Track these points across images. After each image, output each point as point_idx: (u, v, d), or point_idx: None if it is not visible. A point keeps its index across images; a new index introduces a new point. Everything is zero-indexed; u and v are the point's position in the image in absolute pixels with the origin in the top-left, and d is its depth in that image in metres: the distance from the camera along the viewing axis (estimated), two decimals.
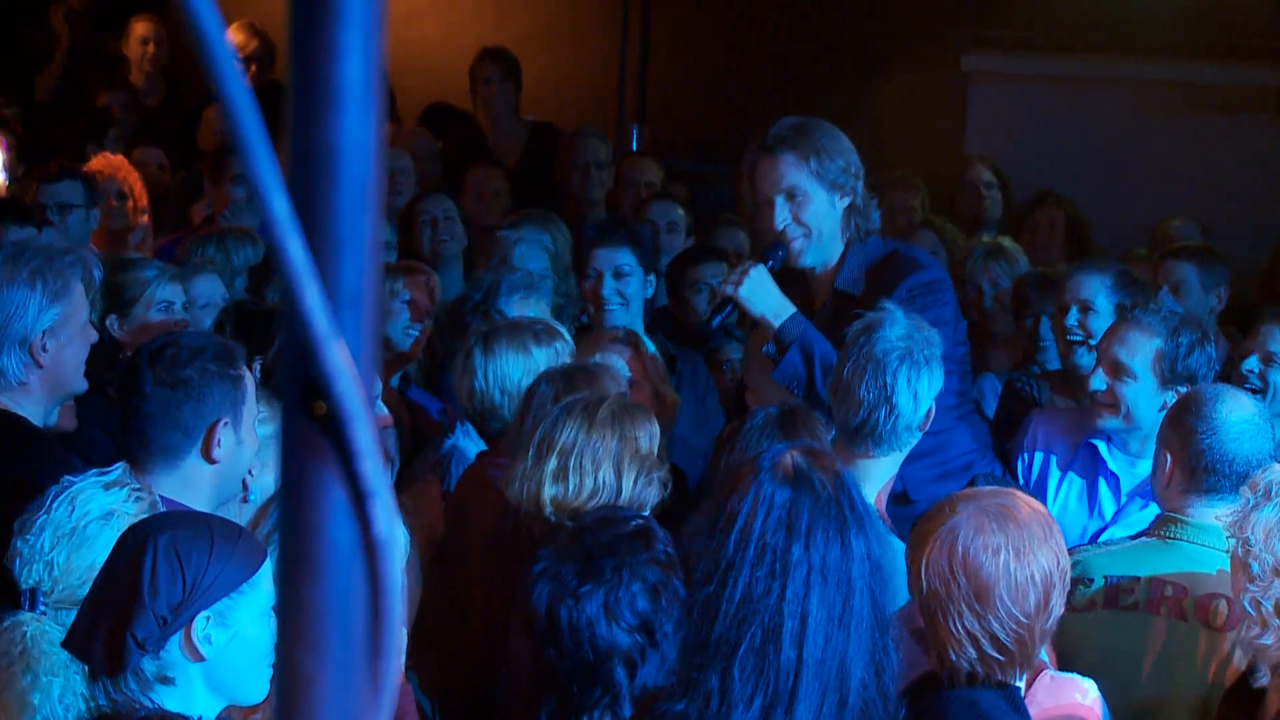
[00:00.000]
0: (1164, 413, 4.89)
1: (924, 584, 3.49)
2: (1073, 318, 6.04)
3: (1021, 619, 3.46)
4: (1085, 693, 3.82)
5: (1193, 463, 4.55)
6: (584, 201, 8.90)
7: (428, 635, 4.45)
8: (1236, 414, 4.56)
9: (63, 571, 3.59)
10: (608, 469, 4.23)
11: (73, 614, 3.37)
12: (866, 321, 4.67)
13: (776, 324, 5.27)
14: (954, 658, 3.48)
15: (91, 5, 11.19)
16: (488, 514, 4.60)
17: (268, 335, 5.32)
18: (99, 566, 3.34)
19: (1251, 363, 5.67)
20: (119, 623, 3.17)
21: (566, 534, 3.77)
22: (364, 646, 1.21)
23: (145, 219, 8.14)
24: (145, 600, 3.16)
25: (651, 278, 6.46)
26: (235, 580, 3.23)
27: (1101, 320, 5.85)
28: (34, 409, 4.70)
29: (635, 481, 4.25)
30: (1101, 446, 5.50)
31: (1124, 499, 5.48)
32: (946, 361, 4.85)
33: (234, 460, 4.18)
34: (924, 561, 3.49)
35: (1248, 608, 3.94)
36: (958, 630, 3.46)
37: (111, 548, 3.33)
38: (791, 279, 5.44)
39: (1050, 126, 10.37)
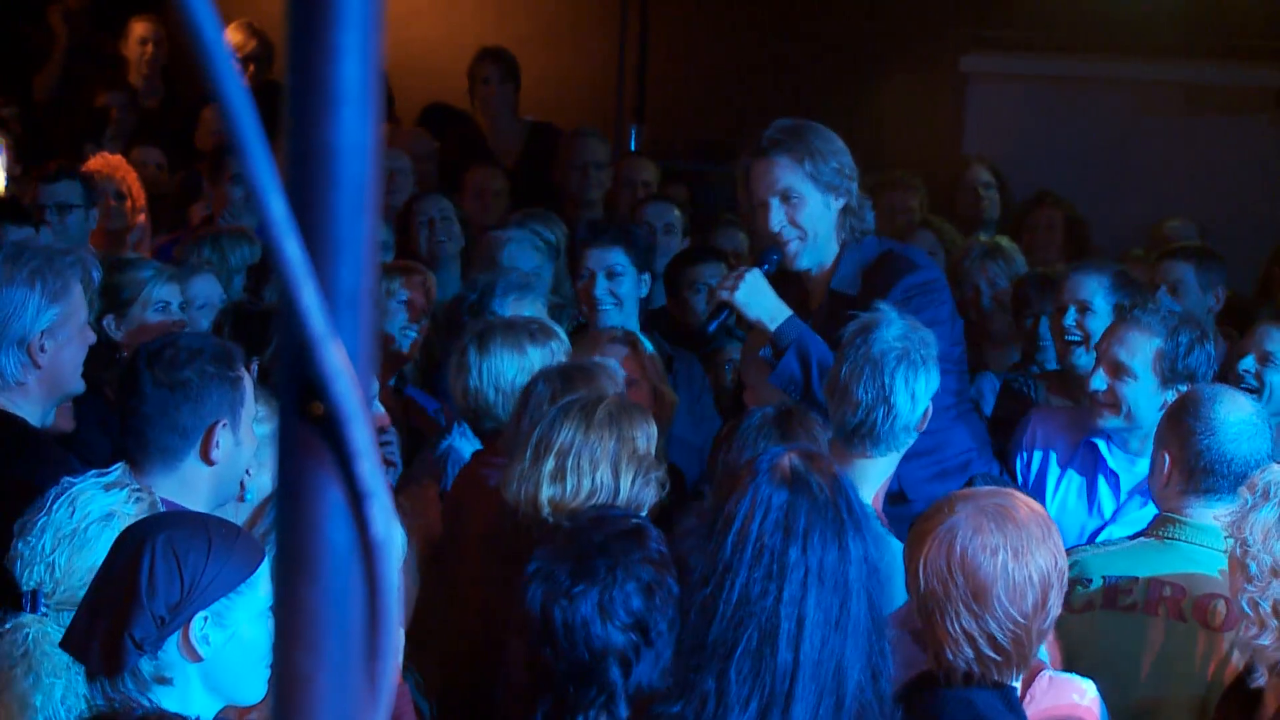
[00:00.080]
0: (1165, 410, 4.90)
1: (922, 583, 3.49)
2: (1071, 318, 6.04)
3: (1019, 619, 3.46)
4: (1083, 693, 3.82)
5: (1191, 463, 4.55)
6: (582, 202, 8.90)
7: (426, 636, 4.45)
8: (1235, 414, 4.56)
9: (64, 573, 3.58)
10: (605, 469, 4.23)
11: None
12: (862, 323, 4.67)
13: (773, 327, 5.27)
14: (951, 657, 3.48)
15: (90, 5, 11.18)
16: (484, 514, 4.60)
17: (266, 335, 5.32)
18: None
19: (1248, 362, 5.68)
20: (117, 623, 3.17)
21: (560, 534, 3.77)
22: (361, 647, 1.21)
23: (143, 218, 8.13)
24: (143, 600, 3.16)
25: (646, 277, 6.45)
26: (233, 580, 3.23)
27: (1099, 321, 5.85)
28: (31, 409, 4.70)
29: (633, 482, 4.25)
30: (1101, 444, 5.50)
31: (1124, 497, 5.48)
32: (943, 361, 4.85)
33: (232, 462, 4.18)
34: (922, 561, 3.49)
35: (1245, 608, 3.94)
36: (955, 630, 3.46)
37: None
38: (788, 280, 5.45)
39: (1049, 127, 10.37)
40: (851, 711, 3.12)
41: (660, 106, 11.12)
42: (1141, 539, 4.67)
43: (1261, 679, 3.96)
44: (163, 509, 3.77)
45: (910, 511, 4.80)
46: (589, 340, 5.82)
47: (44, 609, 3.57)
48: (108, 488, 3.69)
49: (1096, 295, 6.01)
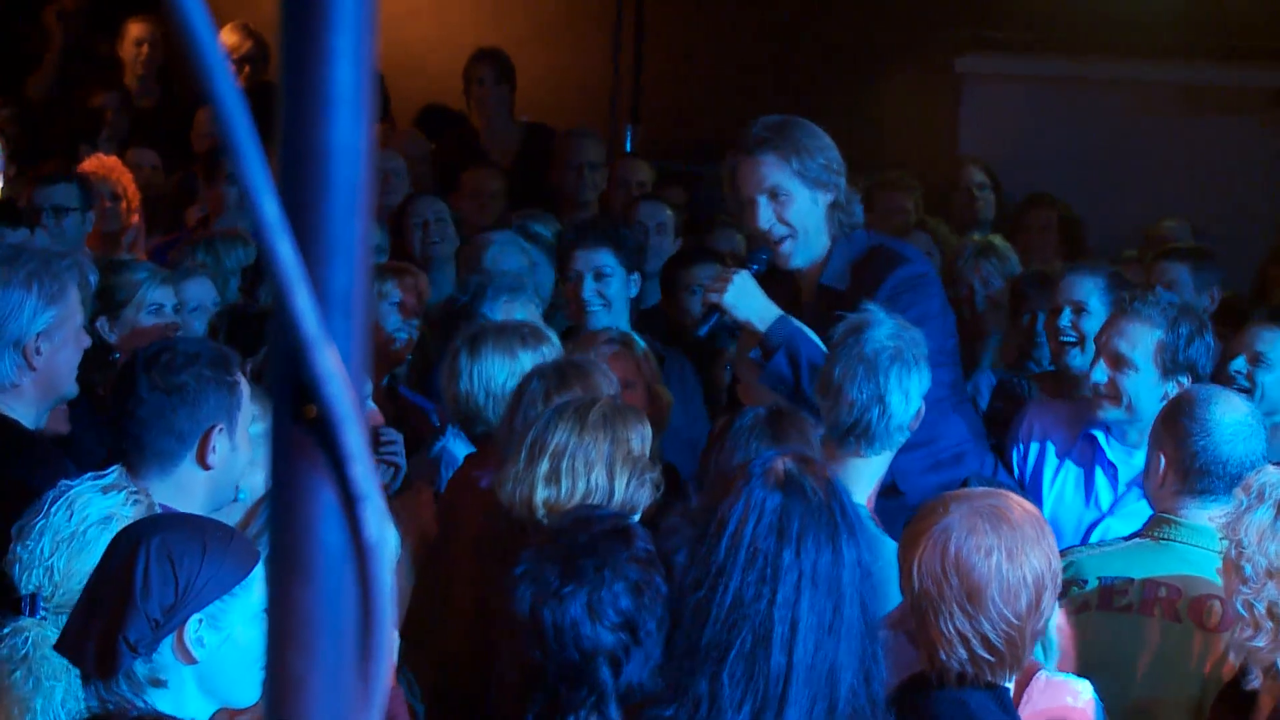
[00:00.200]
0: (1165, 403, 4.91)
1: (916, 584, 3.49)
2: (1066, 319, 6.05)
3: (1013, 620, 3.46)
4: (1078, 695, 3.82)
5: (1186, 464, 4.56)
6: (578, 203, 8.89)
7: (420, 637, 4.45)
8: (1230, 415, 4.57)
9: (63, 576, 3.58)
10: (600, 471, 4.23)
11: None
12: (852, 323, 4.67)
13: (762, 328, 5.26)
14: (944, 658, 3.49)
15: (85, 6, 11.17)
16: (477, 516, 4.60)
17: (262, 338, 5.32)
18: None
19: (1239, 363, 5.68)
20: (111, 625, 3.17)
21: (545, 535, 3.77)
22: (354, 649, 1.21)
23: (137, 219, 8.13)
24: (137, 602, 3.16)
25: (635, 277, 6.44)
26: (228, 582, 3.23)
27: (1095, 321, 5.85)
28: (26, 412, 4.70)
29: (628, 484, 4.25)
30: (1100, 436, 5.50)
31: (1122, 489, 5.48)
32: (937, 353, 4.85)
33: (229, 466, 4.18)
34: (916, 561, 3.49)
35: (1240, 610, 3.94)
36: (949, 630, 3.46)
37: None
38: (778, 276, 5.44)
39: (1045, 127, 10.38)
40: (844, 715, 3.13)
41: (657, 107, 11.13)
42: (1137, 540, 4.68)
43: (1256, 680, 3.97)
44: (159, 511, 3.77)
45: (903, 503, 4.81)
46: (583, 341, 5.82)
47: (43, 612, 3.57)
48: (105, 490, 3.69)
49: (1092, 296, 6.01)
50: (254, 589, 3.25)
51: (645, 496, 4.28)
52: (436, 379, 5.78)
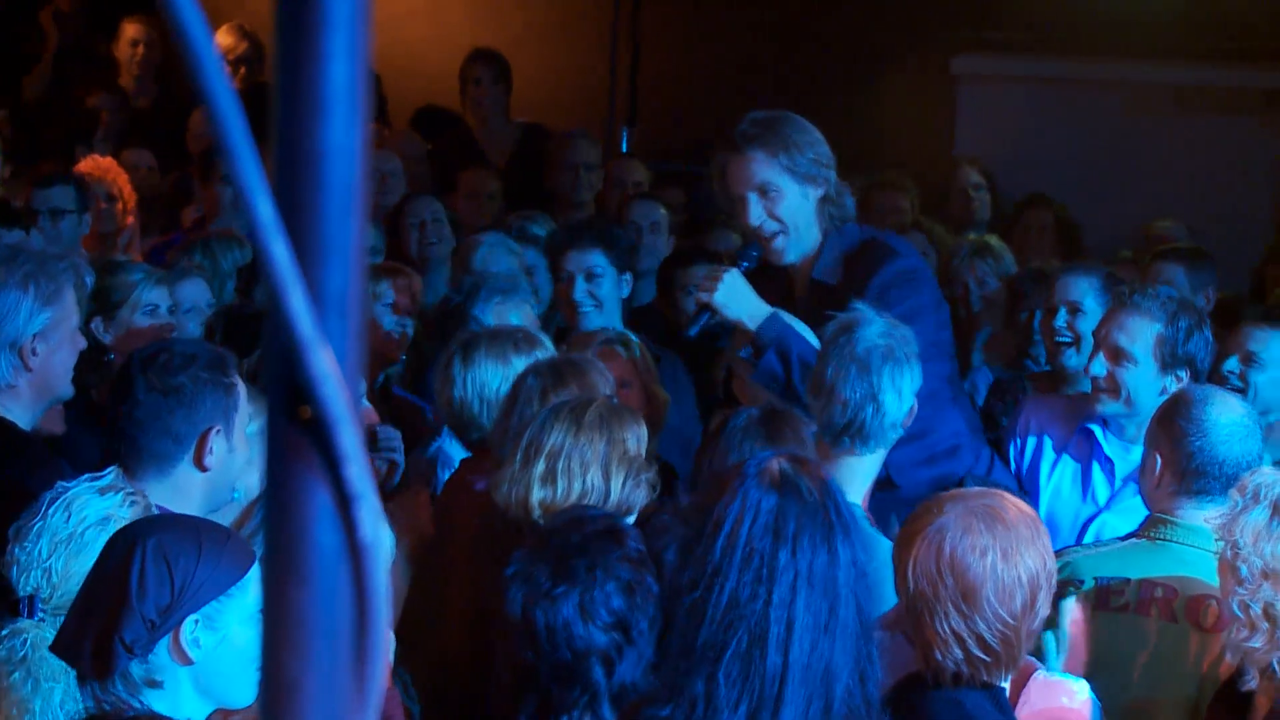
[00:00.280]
0: (1164, 397, 4.91)
1: (911, 584, 3.49)
2: (1061, 319, 6.05)
3: (1008, 620, 3.46)
4: (1073, 695, 3.83)
5: (1182, 464, 4.56)
6: (573, 204, 8.89)
7: (416, 638, 4.45)
8: (1226, 416, 4.57)
9: (61, 578, 3.58)
10: (596, 472, 4.23)
11: None
12: (842, 322, 4.67)
13: (753, 327, 5.25)
14: (940, 658, 3.49)
15: (81, 6, 11.17)
16: (472, 518, 4.60)
17: (257, 339, 5.32)
18: None
19: (1232, 363, 5.67)
20: (107, 626, 3.17)
21: (536, 536, 3.78)
22: (350, 649, 1.21)
23: (132, 220, 8.13)
24: (133, 603, 3.16)
25: (627, 277, 6.43)
26: (224, 583, 3.22)
27: (1090, 322, 5.85)
28: (21, 413, 4.70)
29: (624, 484, 4.24)
30: (1097, 430, 5.50)
31: (1118, 484, 5.48)
32: (931, 346, 4.85)
33: (225, 468, 4.18)
34: (911, 562, 3.49)
35: (1236, 610, 3.95)
36: (944, 630, 3.46)
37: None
38: (770, 272, 5.44)
39: (1041, 128, 10.38)
40: (840, 715, 3.13)
41: (653, 108, 11.12)
42: (1133, 540, 4.68)
43: (1253, 681, 3.97)
44: (156, 512, 3.77)
45: (897, 497, 4.81)
46: (579, 341, 5.82)
47: (41, 614, 3.57)
48: (103, 492, 3.69)
49: (1087, 296, 6.02)
50: (250, 590, 3.25)
51: (641, 497, 4.28)
52: (431, 379, 5.77)
